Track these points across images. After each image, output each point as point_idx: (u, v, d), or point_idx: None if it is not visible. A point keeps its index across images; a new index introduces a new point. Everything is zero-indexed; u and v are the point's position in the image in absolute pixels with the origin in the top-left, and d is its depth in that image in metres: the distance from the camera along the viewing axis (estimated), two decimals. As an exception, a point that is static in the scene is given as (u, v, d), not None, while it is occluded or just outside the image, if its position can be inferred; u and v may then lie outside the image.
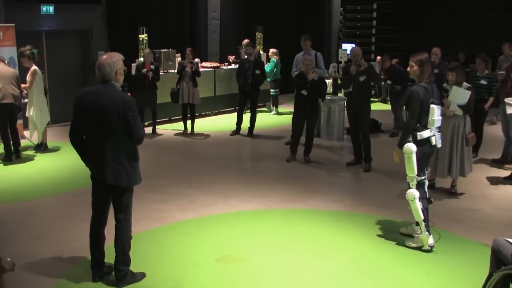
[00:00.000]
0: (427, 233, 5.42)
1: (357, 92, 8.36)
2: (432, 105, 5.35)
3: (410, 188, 5.38)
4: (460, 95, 6.89)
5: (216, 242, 5.60)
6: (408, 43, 18.02)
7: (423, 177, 5.43)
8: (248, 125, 11.09)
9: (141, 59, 12.02)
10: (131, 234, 4.66)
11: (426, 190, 5.56)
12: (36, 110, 9.15)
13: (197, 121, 11.76)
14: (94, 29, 12.52)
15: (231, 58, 14.56)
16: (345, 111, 9.35)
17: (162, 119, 12.11)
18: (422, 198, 5.39)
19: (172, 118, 12.60)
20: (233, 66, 14.07)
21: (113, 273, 4.69)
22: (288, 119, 10.22)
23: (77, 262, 5.10)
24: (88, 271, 4.76)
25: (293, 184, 7.71)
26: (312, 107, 8.79)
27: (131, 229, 4.66)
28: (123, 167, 4.40)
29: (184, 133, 11.21)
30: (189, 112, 11.10)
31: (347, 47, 16.36)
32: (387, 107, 15.22)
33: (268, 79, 13.17)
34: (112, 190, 4.49)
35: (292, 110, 9.26)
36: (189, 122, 11.18)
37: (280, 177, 8.10)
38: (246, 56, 11.18)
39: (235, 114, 11.57)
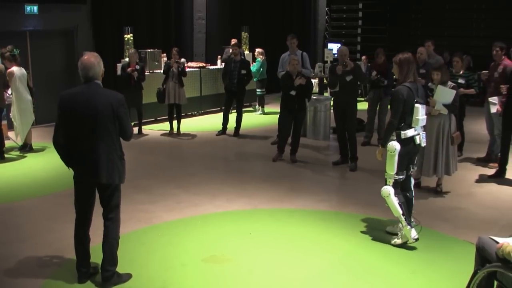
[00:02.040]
0: (408, 226, 5.48)
1: (343, 92, 8.40)
2: (416, 105, 5.42)
3: (386, 184, 5.48)
4: (445, 94, 6.96)
5: (203, 243, 5.60)
6: (393, 43, 18.12)
7: (401, 177, 5.49)
8: (234, 125, 11.09)
9: (126, 59, 11.99)
10: (119, 234, 4.65)
11: (413, 186, 5.72)
12: (14, 111, 9.10)
13: (183, 121, 11.71)
14: (79, 29, 12.44)
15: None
16: (331, 111, 9.40)
17: (148, 119, 12.07)
18: (397, 193, 5.48)
19: (158, 118, 12.56)
20: (219, 66, 14.07)
21: (99, 273, 4.68)
22: (274, 119, 10.23)
23: (62, 263, 5.07)
24: (74, 272, 4.73)
25: (280, 184, 7.72)
26: (300, 107, 8.81)
27: (119, 229, 4.65)
28: (115, 164, 4.43)
29: (170, 133, 11.18)
30: (175, 112, 11.08)
31: (333, 46, 16.46)
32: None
33: (254, 79, 13.17)
34: (103, 189, 4.48)
35: (278, 110, 9.27)
36: (175, 122, 11.15)
37: (266, 177, 8.11)
38: (232, 56, 11.18)
39: (221, 114, 11.56)
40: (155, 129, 11.69)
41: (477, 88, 8.56)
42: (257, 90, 13.85)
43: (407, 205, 5.56)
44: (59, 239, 5.62)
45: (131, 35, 12.26)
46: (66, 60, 12.39)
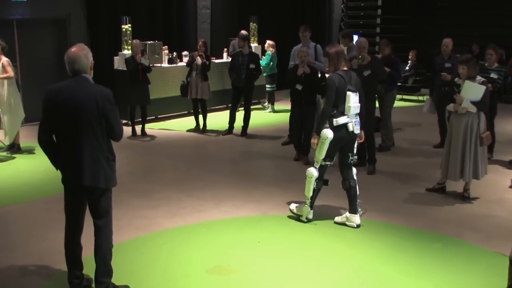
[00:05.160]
0: (308, 208, 6.37)
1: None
2: (348, 92, 6.05)
3: (313, 167, 6.24)
4: (473, 90, 6.89)
5: (207, 252, 5.61)
6: (416, 34, 18.01)
7: (328, 162, 6.24)
8: (242, 124, 11.11)
9: (125, 51, 12.03)
10: (112, 243, 4.64)
11: (355, 176, 6.39)
12: (4, 107, 9.15)
13: (186, 120, 11.80)
14: (71, 18, 12.47)
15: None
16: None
17: (149, 117, 12.05)
18: (319, 179, 6.29)
19: (159, 116, 12.61)
20: (225, 59, 14.09)
21: (93, 285, 4.68)
22: (285, 117, 10.24)
23: (53, 275, 5.09)
24: (65, 284, 4.73)
25: (291, 188, 7.72)
26: (307, 102, 8.83)
27: (112, 237, 4.64)
28: (101, 166, 4.39)
29: (196, 129, 11.46)
30: (200, 107, 11.34)
31: (350, 38, 16.36)
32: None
33: (264, 74, 13.17)
34: (88, 193, 4.47)
35: (290, 107, 9.29)
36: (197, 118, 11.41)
37: (276, 181, 8.11)
38: (239, 49, 11.19)
39: (227, 112, 11.58)
40: (155, 128, 11.73)
41: (498, 84, 8.50)
42: (267, 86, 13.85)
43: (350, 193, 6.34)
44: (48, 248, 5.64)
45: (129, 25, 12.30)
46: (57, 52, 12.29)
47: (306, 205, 6.37)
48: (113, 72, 12.37)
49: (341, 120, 6.08)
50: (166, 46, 12.97)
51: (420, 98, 15.76)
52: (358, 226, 6.26)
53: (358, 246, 5.78)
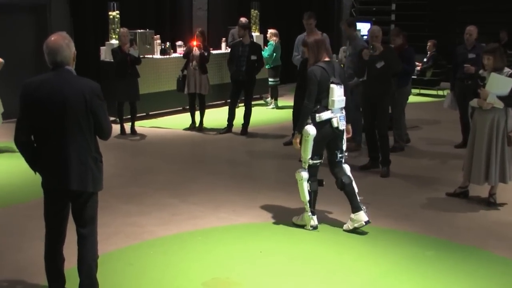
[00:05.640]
0: (310, 214, 6.37)
1: (373, 82, 8.41)
2: (331, 85, 6.13)
3: (302, 168, 6.31)
4: (500, 83, 6.85)
5: (204, 263, 5.62)
6: (436, 22, 17.96)
7: (317, 161, 6.34)
8: (242, 122, 11.13)
9: (113, 41, 12.03)
10: (98, 253, 4.63)
11: (349, 173, 6.45)
12: None
13: (180, 117, 11.82)
14: (52, 4, 12.47)
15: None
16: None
17: (139, 114, 12.05)
18: (312, 180, 6.35)
19: (151, 113, 12.63)
20: (223, 50, 14.10)
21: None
22: (290, 114, 10.24)
23: (33, 288, 5.09)
24: (46, 300, 4.74)
25: (296, 192, 7.65)
26: None
27: (98, 246, 4.63)
28: (89, 167, 4.37)
29: (192, 127, 11.47)
30: (198, 103, 11.36)
31: (362, 26, 16.37)
32: (409, 99, 15.28)
33: (266, 66, 13.19)
34: (73, 198, 4.45)
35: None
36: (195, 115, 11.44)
37: (280, 184, 8.11)
38: (239, 38, 11.19)
39: (226, 109, 11.60)
40: (146, 126, 11.75)
41: None
42: (270, 79, 13.86)
43: (346, 192, 6.38)
44: (26, 259, 5.63)
45: (117, 12, 12.31)
46: (36, 42, 12.23)
47: (306, 212, 6.40)
48: (99, 64, 12.39)
49: (324, 115, 6.17)
50: (158, 36, 12.98)
51: (440, 92, 15.77)
52: (367, 222, 6.28)
53: (369, 257, 5.78)
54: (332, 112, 6.19)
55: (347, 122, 6.39)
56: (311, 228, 6.39)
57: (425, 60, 15.49)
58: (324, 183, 6.52)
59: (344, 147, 6.45)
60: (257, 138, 10.88)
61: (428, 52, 15.50)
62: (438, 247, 6.02)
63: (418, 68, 15.00)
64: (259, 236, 6.31)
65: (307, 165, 6.29)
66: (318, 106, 6.18)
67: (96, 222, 4.60)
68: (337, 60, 12.60)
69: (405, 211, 7.08)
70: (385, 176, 8.46)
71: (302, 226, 6.45)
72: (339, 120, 6.21)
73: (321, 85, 6.14)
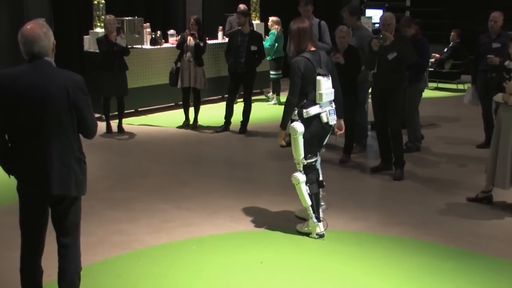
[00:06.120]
0: (315, 220, 6.36)
1: (384, 75, 8.40)
2: (318, 77, 6.18)
3: (297, 171, 6.30)
4: None
5: (199, 275, 5.63)
6: (456, 7, 17.89)
7: (312, 160, 6.37)
8: (241, 119, 11.15)
9: (97, 29, 12.03)
10: (81, 264, 4.60)
11: (321, 172, 6.59)
12: None
13: (172, 114, 11.82)
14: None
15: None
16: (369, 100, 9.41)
17: (127, 111, 12.05)
18: (311, 182, 6.35)
19: (140, 109, 12.64)
20: (220, 40, 14.10)
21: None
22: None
23: (8, 305, 5.11)
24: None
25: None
26: (347, 91, 8.83)
27: (81, 257, 4.61)
28: (72, 170, 4.33)
29: (186, 125, 11.50)
30: (192, 98, 11.38)
31: (373, 13, 16.37)
32: (425, 93, 15.27)
33: (268, 58, 13.21)
34: (54, 204, 4.41)
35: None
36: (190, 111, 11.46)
37: (282, 188, 8.11)
38: (238, 27, 11.20)
39: (223, 104, 11.62)
40: (135, 124, 11.76)
41: None
42: (271, 72, 13.87)
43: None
44: (0, 272, 5.61)
45: (103, -3, 12.33)
46: (11, 31, 12.25)
47: (311, 219, 6.40)
48: (83, 55, 12.39)
49: (312, 110, 6.21)
50: (148, 24, 12.98)
51: (460, 86, 15.77)
52: (320, 236, 6.37)
53: (381, 269, 5.77)
54: (320, 107, 6.25)
55: (339, 116, 6.47)
56: (317, 237, 6.38)
57: (445, 50, 15.44)
58: (324, 183, 6.57)
59: (325, 143, 6.62)
60: (257, 137, 10.89)
61: (451, 43, 15.43)
62: (458, 258, 6.01)
63: (433, 60, 14.97)
64: (259, 245, 6.31)
65: (301, 166, 6.32)
66: (305, 101, 6.25)
67: (79, 230, 4.57)
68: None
69: (421, 218, 7.08)
70: (398, 179, 8.45)
71: (307, 234, 6.45)
72: (328, 115, 6.28)
73: (307, 77, 6.20)
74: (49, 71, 4.27)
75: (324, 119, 6.26)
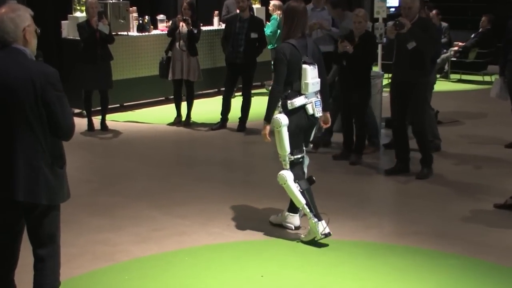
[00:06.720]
0: (315, 220, 6.35)
1: (403, 66, 8.40)
2: (304, 66, 6.32)
3: (283, 169, 6.42)
4: None
5: (191, 290, 5.66)
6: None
7: (298, 156, 6.50)
8: (239, 115, 11.19)
9: (77, 14, 12.05)
10: (59, 279, 4.62)
11: (305, 170, 6.74)
12: None
13: (162, 109, 11.83)
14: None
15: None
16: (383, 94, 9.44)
17: (111, 106, 12.08)
18: (299, 178, 6.45)
19: (126, 104, 12.66)
20: (216, 26, 14.12)
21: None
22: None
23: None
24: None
25: (306, 202, 7.77)
26: (357, 84, 8.97)
27: (60, 271, 4.63)
28: (41, 174, 4.26)
29: (177, 121, 11.52)
30: (185, 91, 11.40)
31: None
32: (447, 86, 15.26)
33: (269, 47, 13.19)
34: (25, 212, 4.38)
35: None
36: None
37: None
38: (237, 11, 11.21)
39: (219, 99, 11.66)
40: (120, 120, 11.79)
41: None
42: (273, 62, 13.86)
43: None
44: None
45: (84, -22, 12.34)
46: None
47: (310, 220, 6.39)
48: (61, 42, 12.40)
49: (297, 101, 6.35)
50: (134, 8, 12.97)
51: (487, 78, 15.77)
52: (326, 235, 6.40)
53: (396, 284, 5.77)
54: (306, 97, 6.39)
55: (325, 109, 6.60)
56: (323, 236, 6.39)
57: (472, 36, 15.35)
58: (314, 178, 6.64)
59: (311, 138, 6.79)
60: (257, 136, 10.81)
61: (480, 29, 15.36)
62: (483, 272, 6.03)
63: (455, 48, 14.95)
64: (260, 257, 6.33)
65: (288, 163, 6.42)
66: (289, 91, 6.40)
67: (57, 240, 4.56)
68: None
69: (441, 225, 7.10)
70: (424, 178, 8.47)
71: (313, 242, 6.47)
72: (314, 106, 6.41)
73: (292, 65, 6.33)
74: (16, 60, 4.20)
75: (310, 111, 6.40)
